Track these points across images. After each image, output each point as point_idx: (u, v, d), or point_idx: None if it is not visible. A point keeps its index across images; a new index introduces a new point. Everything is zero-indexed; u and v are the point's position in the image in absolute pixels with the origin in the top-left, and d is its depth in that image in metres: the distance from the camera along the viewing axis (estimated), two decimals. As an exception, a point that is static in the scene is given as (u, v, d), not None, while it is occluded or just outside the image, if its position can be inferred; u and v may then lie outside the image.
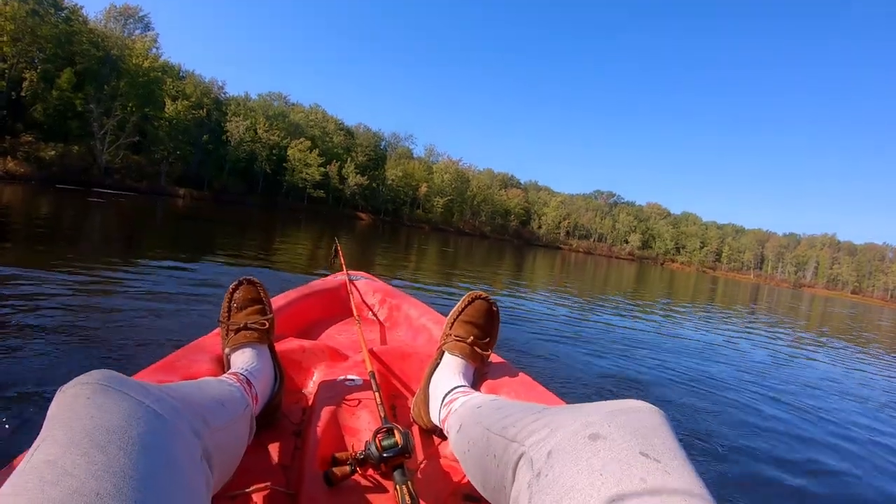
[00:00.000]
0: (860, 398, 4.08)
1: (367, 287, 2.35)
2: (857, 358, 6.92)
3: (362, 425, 1.04)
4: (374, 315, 2.19)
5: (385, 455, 0.79)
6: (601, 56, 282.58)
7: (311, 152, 53.69)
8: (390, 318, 2.14)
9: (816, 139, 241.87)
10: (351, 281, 2.25)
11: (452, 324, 1.18)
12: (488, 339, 1.18)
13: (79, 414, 0.46)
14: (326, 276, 2.51)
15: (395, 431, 0.82)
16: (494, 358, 1.32)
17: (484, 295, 1.18)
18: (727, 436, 2.55)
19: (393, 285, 2.45)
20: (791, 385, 4.13)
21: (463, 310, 1.18)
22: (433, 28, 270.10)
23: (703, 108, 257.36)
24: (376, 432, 0.82)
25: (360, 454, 0.81)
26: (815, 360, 6.14)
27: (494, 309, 1.19)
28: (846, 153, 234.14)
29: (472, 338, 1.15)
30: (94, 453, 0.42)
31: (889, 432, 3.21)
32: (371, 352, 1.33)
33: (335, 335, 1.88)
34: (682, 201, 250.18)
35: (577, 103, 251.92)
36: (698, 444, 2.37)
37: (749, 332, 7.81)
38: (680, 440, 0.51)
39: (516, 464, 0.61)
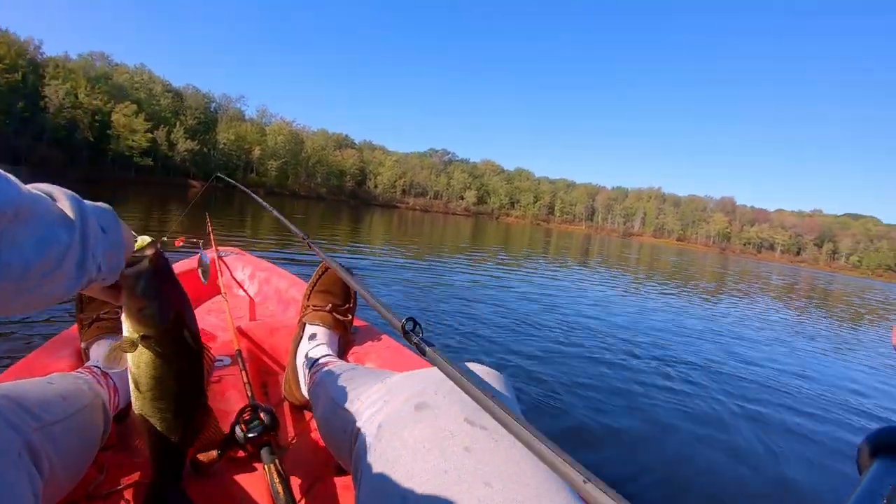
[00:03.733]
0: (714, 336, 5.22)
1: (236, 262, 2.36)
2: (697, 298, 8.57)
3: (231, 406, 1.03)
4: (244, 291, 2.18)
5: (249, 435, 0.81)
6: (427, 10, 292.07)
7: (136, 117, 53.66)
8: (260, 292, 2.15)
9: (642, 97, 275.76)
10: (220, 257, 2.24)
11: (309, 294, 1.22)
12: (348, 306, 1.23)
13: None
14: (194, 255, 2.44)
15: (259, 410, 0.84)
16: (360, 322, 1.38)
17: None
18: (578, 385, 2.81)
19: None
20: (635, 327, 4.80)
21: (318, 279, 1.22)
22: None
23: (531, 65, 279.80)
24: (240, 413, 0.84)
25: (227, 436, 0.81)
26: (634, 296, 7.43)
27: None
28: (669, 110, 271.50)
29: (330, 306, 1.19)
30: None
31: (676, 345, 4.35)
32: (239, 329, 1.35)
33: (204, 315, 1.88)
34: (515, 158, 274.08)
35: (407, 61, 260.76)
36: (551, 395, 2.55)
37: (585, 276, 9.28)
38: (521, 399, 0.73)
39: (356, 436, 0.64)
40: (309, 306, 1.21)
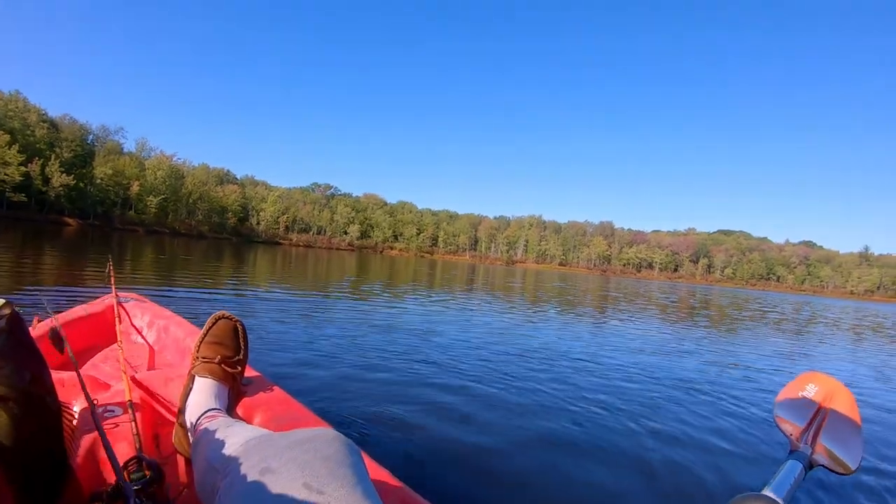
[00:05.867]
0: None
1: (135, 309, 2.36)
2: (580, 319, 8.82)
3: (119, 458, 1.03)
4: (143, 338, 2.19)
5: (134, 487, 0.82)
6: (304, 51, 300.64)
7: (10, 148, 52.69)
8: (159, 340, 2.14)
9: (512, 126, 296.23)
10: (119, 303, 2.24)
11: (199, 346, 1.22)
12: (238, 357, 1.24)
13: None
14: (95, 298, 2.48)
15: (143, 463, 0.86)
16: (252, 373, 1.44)
17: (227, 314, 1.25)
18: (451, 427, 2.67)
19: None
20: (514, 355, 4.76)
21: (208, 331, 1.23)
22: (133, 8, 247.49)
23: (404, 101, 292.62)
24: (125, 465, 0.86)
25: (112, 489, 0.82)
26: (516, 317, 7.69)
27: (239, 327, 1.26)
28: (545, 140, 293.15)
29: (219, 357, 1.20)
30: None
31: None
32: (133, 378, 1.35)
33: (100, 363, 1.90)
34: (397, 191, 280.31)
35: (290, 93, 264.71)
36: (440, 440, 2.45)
37: (469, 305, 9.47)
38: (363, 462, 0.56)
39: (217, 496, 0.67)
40: (199, 357, 1.20)
